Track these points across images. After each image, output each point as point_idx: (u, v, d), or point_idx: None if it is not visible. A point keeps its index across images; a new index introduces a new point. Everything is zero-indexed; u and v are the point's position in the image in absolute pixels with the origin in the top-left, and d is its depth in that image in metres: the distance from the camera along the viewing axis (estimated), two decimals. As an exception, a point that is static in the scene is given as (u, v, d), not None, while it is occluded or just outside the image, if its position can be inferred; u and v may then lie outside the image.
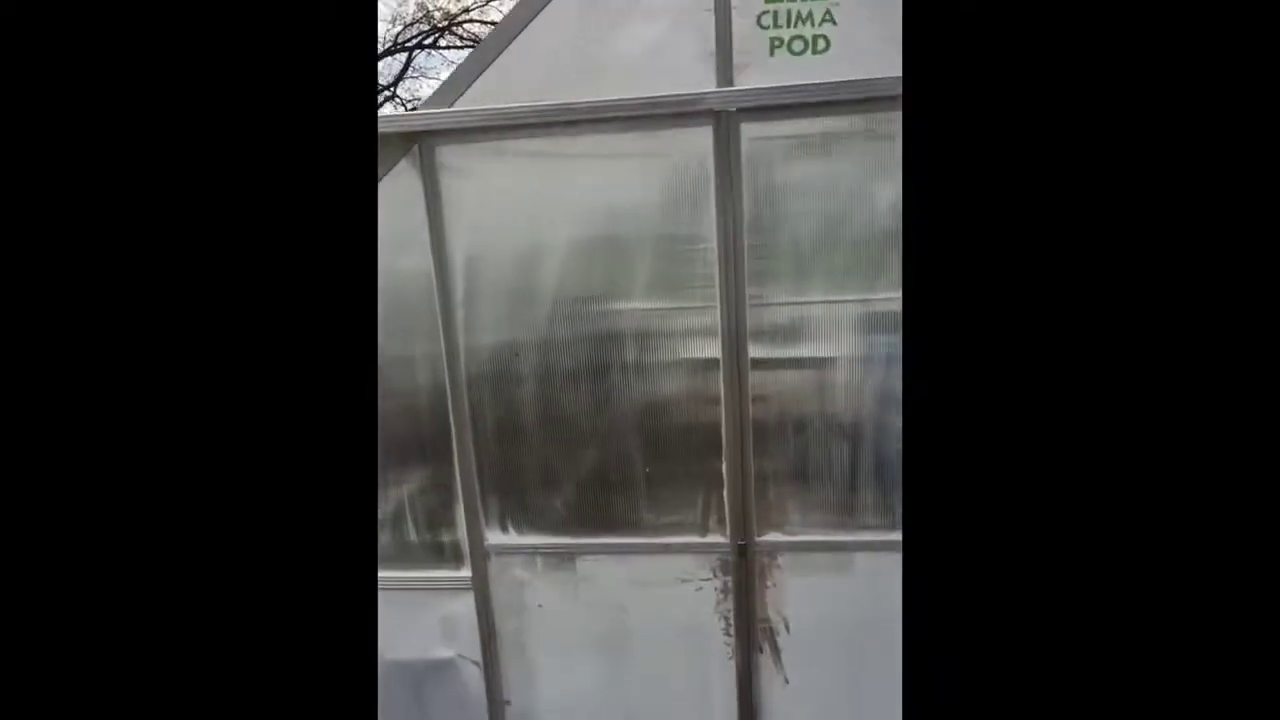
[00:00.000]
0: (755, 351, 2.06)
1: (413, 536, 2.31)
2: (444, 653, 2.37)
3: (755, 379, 2.08)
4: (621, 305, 2.05)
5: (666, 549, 2.21)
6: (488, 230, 2.08)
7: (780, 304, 2.02)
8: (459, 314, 2.13)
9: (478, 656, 2.36)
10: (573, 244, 2.05)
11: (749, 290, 2.01)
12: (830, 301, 2.00)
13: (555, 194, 2.02)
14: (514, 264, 2.09)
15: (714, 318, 2.04)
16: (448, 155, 2.04)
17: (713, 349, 2.06)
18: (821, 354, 2.04)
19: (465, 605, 2.32)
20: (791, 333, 2.04)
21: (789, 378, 2.07)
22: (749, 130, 1.93)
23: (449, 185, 2.06)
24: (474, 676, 2.38)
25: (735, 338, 2.05)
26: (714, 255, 2.00)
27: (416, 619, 2.34)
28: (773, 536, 2.18)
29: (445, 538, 2.30)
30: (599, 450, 2.16)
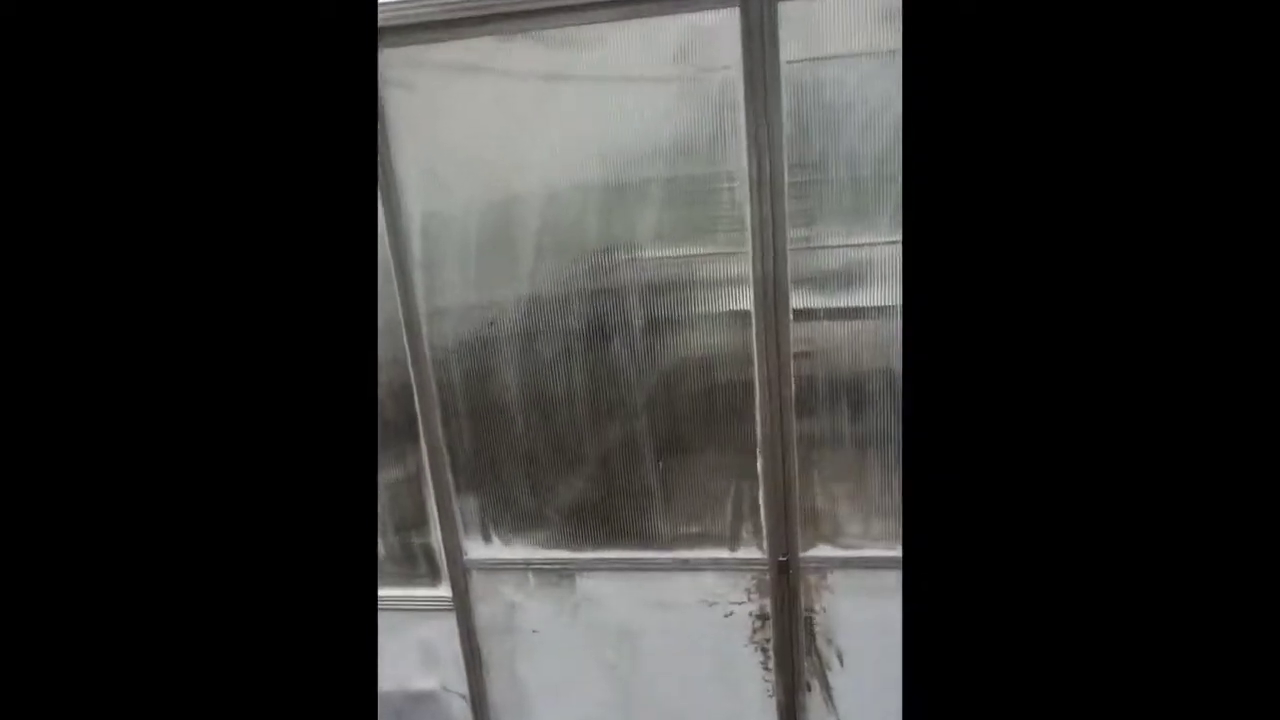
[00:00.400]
0: (798, 302, 1.80)
1: (379, 548, 2.15)
2: (425, 683, 2.24)
3: (797, 332, 1.82)
4: (625, 255, 1.81)
5: (687, 565, 2.01)
6: (453, 162, 1.83)
7: (830, 247, 1.74)
8: (416, 272, 1.90)
9: (463, 688, 2.20)
10: (562, 179, 1.80)
11: (790, 232, 1.74)
12: (895, 243, 1.72)
13: (540, 120, 1.76)
14: (487, 205, 1.84)
15: (745, 265, 1.78)
16: (395, 64, 1.76)
17: (745, 302, 1.80)
18: (885, 303, 1.77)
19: (447, 627, 2.17)
20: (844, 279, 1.78)
21: (840, 334, 1.80)
22: (788, 14, 1.60)
23: (398, 104, 1.80)
24: (461, 712, 2.24)
25: (774, 284, 1.77)
26: (744, 186, 1.71)
27: (391, 643, 2.19)
28: (821, 550, 1.96)
29: (418, 550, 2.14)
30: (600, 441, 1.95)
